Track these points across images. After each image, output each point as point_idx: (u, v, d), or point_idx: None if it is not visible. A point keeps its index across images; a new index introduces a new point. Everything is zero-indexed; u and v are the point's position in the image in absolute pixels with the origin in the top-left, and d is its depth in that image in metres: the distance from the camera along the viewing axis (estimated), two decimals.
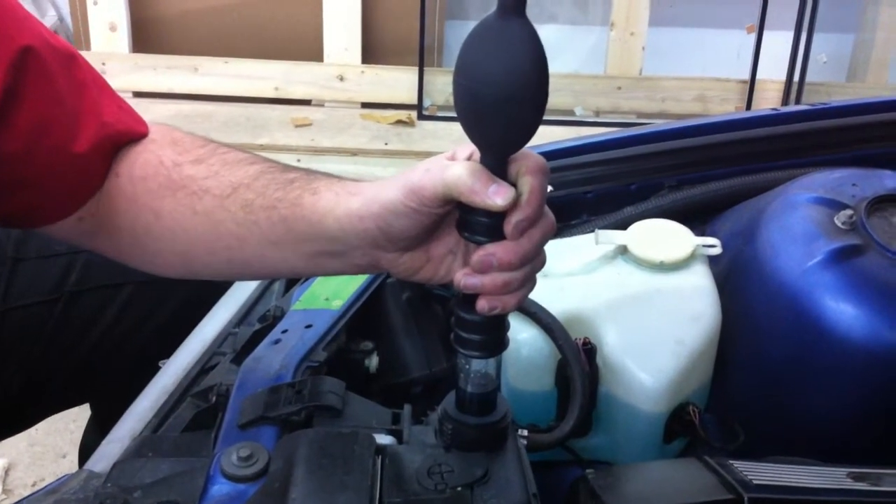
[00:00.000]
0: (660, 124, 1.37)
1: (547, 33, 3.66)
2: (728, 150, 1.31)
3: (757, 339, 1.03)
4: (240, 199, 0.81)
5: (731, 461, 0.76)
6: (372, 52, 3.61)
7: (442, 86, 3.50)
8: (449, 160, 0.70)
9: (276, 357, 0.92)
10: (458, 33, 3.65)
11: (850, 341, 0.93)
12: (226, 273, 0.89)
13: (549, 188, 1.23)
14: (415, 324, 1.09)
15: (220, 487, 0.68)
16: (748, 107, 3.53)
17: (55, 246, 1.25)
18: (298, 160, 3.04)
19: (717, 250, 1.07)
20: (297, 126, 3.41)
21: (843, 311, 0.94)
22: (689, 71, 3.64)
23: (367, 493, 0.65)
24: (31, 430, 1.65)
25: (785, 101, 3.53)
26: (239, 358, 0.96)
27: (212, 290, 1.17)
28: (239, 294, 1.15)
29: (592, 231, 1.11)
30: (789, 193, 1.09)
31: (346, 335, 1.03)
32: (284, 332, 0.98)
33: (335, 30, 3.56)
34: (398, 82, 3.56)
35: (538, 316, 0.97)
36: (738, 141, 1.32)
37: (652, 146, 1.31)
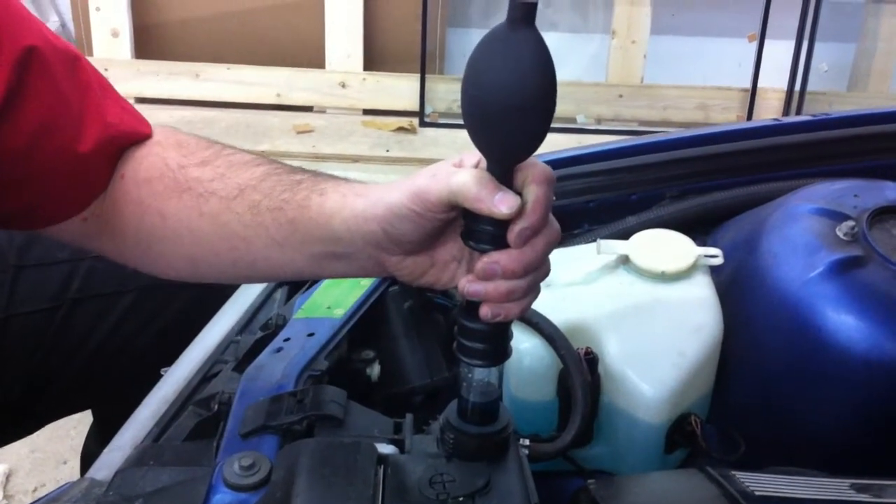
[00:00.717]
0: (662, 134, 1.37)
1: (548, 41, 3.61)
2: (730, 160, 1.31)
3: (758, 349, 1.03)
4: (246, 201, 0.81)
5: (732, 472, 0.76)
6: (374, 60, 3.62)
7: (443, 93, 3.51)
8: (456, 167, 0.70)
9: (277, 366, 0.92)
10: (459, 41, 3.66)
11: (851, 352, 0.93)
12: (230, 275, 0.89)
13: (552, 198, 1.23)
14: (416, 333, 1.09)
15: (222, 497, 0.68)
16: (749, 115, 3.54)
17: (57, 253, 1.25)
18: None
19: (719, 260, 1.07)
20: (298, 133, 3.42)
21: (844, 323, 0.94)
22: (690, 79, 3.65)
23: (368, 502, 0.65)
24: (32, 436, 1.65)
25: (786, 110, 3.53)
26: (241, 366, 0.96)
27: (214, 298, 1.17)
28: (241, 302, 1.15)
29: (594, 241, 1.11)
30: (791, 204, 1.09)
31: (348, 344, 1.03)
32: (286, 340, 0.98)
33: (337, 37, 3.57)
34: (400, 89, 3.56)
35: (540, 325, 0.97)
36: (740, 151, 1.32)
37: (654, 156, 1.31)
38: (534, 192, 0.65)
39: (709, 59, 3.74)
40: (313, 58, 3.60)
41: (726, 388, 1.04)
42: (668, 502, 0.78)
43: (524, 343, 0.99)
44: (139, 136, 0.91)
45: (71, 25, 3.68)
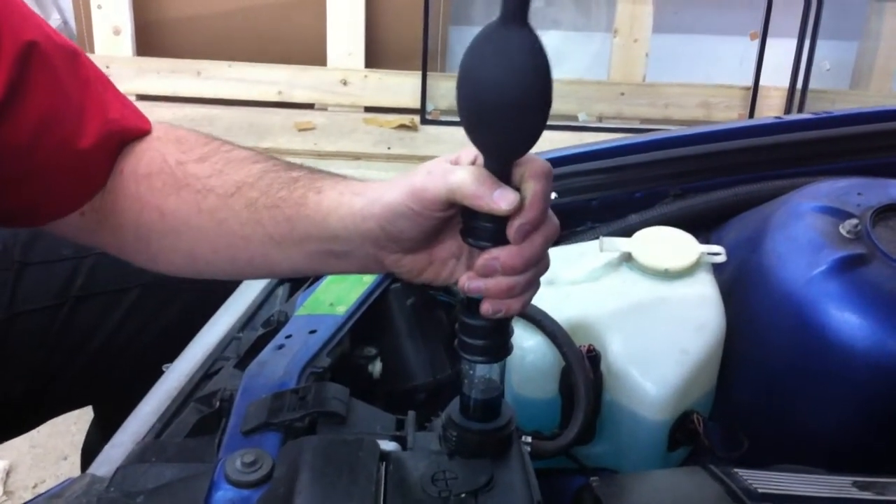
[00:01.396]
0: (664, 132, 1.37)
1: (550, 39, 3.66)
2: (733, 158, 1.31)
3: (761, 347, 1.03)
4: (244, 198, 0.81)
5: (735, 469, 0.76)
6: (375, 57, 3.62)
7: (445, 90, 3.50)
8: (452, 163, 0.70)
9: (279, 362, 0.92)
10: (461, 38, 3.66)
11: (855, 350, 0.93)
12: (230, 272, 0.89)
13: (554, 195, 1.23)
14: (419, 330, 1.09)
15: (224, 493, 0.68)
16: (751, 114, 3.54)
17: (61, 250, 1.25)
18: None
19: (722, 258, 1.07)
20: (300, 130, 3.41)
21: (847, 321, 0.94)
22: (692, 77, 3.64)
23: (371, 499, 0.65)
24: (33, 432, 1.65)
25: (788, 108, 3.53)
26: (243, 363, 0.96)
27: (216, 295, 1.17)
28: (243, 299, 1.15)
29: (597, 238, 1.11)
30: (794, 202, 1.09)
31: (350, 341, 1.03)
32: (288, 337, 0.98)
33: (339, 34, 3.57)
34: (401, 87, 3.56)
35: (542, 323, 0.96)
36: (743, 149, 1.32)
37: (657, 154, 1.31)
38: (532, 188, 0.65)
39: (711, 58, 3.74)
40: (315, 55, 3.60)
41: (729, 385, 1.04)
42: (671, 500, 0.78)
43: (527, 340, 0.99)
44: (139, 131, 0.91)
45: (73, 23, 3.68)
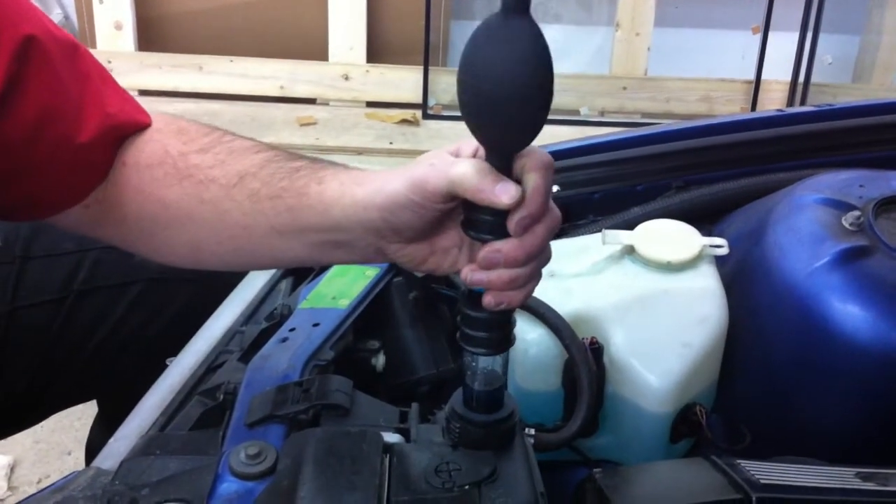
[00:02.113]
0: (666, 125, 1.37)
1: (552, 34, 3.66)
2: (735, 151, 1.31)
3: (763, 339, 1.03)
4: (246, 189, 0.81)
5: (738, 461, 0.76)
6: (377, 52, 3.62)
7: (447, 85, 3.51)
8: (453, 155, 0.70)
9: (283, 355, 0.92)
10: (463, 33, 3.66)
11: (857, 343, 0.93)
12: (233, 262, 0.89)
13: (556, 188, 1.23)
14: (421, 323, 1.09)
15: (229, 485, 0.68)
16: (753, 107, 3.54)
17: (64, 244, 1.25)
18: None
19: (725, 251, 1.07)
20: (301, 125, 3.42)
21: (849, 313, 0.94)
22: (694, 72, 3.64)
23: (374, 491, 0.65)
24: (37, 428, 1.66)
25: (790, 102, 3.53)
26: (246, 356, 0.96)
27: (219, 289, 1.17)
28: (246, 292, 1.16)
29: (599, 231, 1.11)
30: (796, 195, 1.09)
31: (354, 334, 1.03)
32: (292, 330, 0.98)
33: (340, 29, 3.57)
34: (403, 82, 3.56)
35: (545, 316, 0.97)
36: (746, 142, 1.32)
37: (659, 147, 1.31)
38: (533, 180, 0.65)
39: (712, 52, 3.74)
40: (316, 50, 3.60)
41: (732, 378, 1.04)
42: (674, 491, 0.78)
43: (530, 333, 0.99)
44: (139, 125, 0.91)
45: (74, 18, 3.68)
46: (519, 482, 0.69)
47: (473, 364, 0.71)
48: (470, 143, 0.69)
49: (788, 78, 3.54)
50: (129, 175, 0.88)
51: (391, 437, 0.74)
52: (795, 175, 1.20)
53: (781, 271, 1.00)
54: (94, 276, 1.25)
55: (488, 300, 0.68)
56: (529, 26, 0.58)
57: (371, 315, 1.07)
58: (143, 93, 3.51)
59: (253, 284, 1.17)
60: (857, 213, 1.00)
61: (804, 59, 3.49)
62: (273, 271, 1.21)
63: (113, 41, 3.56)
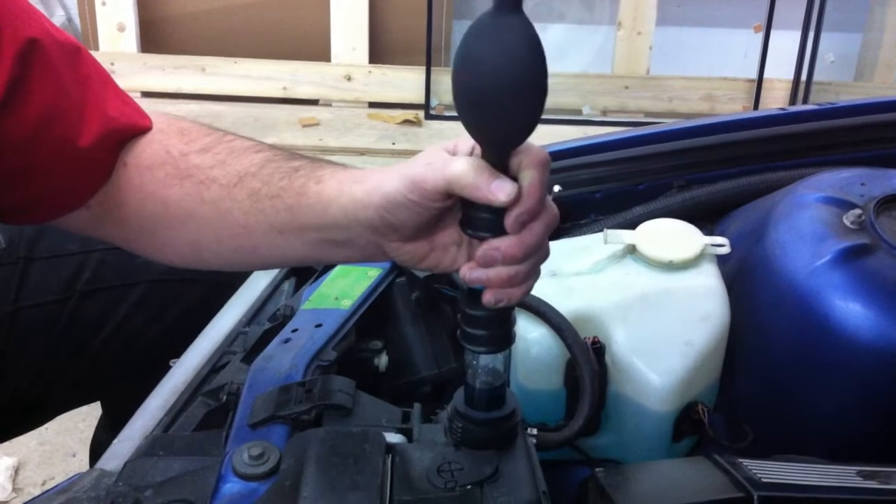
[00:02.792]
0: (668, 124, 1.37)
1: (554, 33, 3.66)
2: (736, 149, 1.31)
3: (765, 338, 1.03)
4: (246, 188, 0.82)
5: (740, 460, 0.76)
6: (379, 52, 3.62)
7: (449, 86, 3.47)
8: (450, 152, 0.70)
9: (286, 356, 0.92)
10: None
11: (858, 341, 0.93)
12: (234, 262, 0.90)
13: (558, 188, 1.23)
14: (424, 323, 1.10)
15: (232, 486, 0.68)
16: (755, 106, 3.54)
17: (67, 245, 1.26)
18: None
19: (726, 250, 1.07)
20: (304, 126, 3.42)
21: (851, 311, 0.94)
22: (696, 70, 3.64)
23: (377, 491, 0.65)
24: (41, 429, 1.66)
25: (792, 101, 3.53)
26: (249, 357, 0.96)
27: (222, 290, 1.18)
28: (249, 293, 1.16)
29: (601, 231, 1.11)
30: (798, 193, 1.09)
31: (356, 335, 1.03)
32: (294, 331, 0.98)
33: (342, 30, 3.57)
34: (405, 82, 3.56)
35: (547, 315, 0.97)
36: (747, 141, 1.32)
37: (660, 146, 1.31)
38: (529, 177, 0.65)
39: (715, 50, 3.74)
40: (319, 51, 3.60)
41: (733, 376, 1.04)
42: (676, 490, 0.78)
43: (532, 333, 0.99)
44: (139, 128, 0.91)
45: (77, 20, 3.69)
46: (521, 481, 0.69)
47: (474, 363, 0.71)
48: (466, 140, 0.70)
49: (791, 76, 3.54)
50: (130, 176, 0.89)
51: (393, 438, 0.74)
52: (797, 174, 1.20)
53: (783, 270, 1.00)
54: (98, 277, 1.26)
55: (487, 298, 0.68)
56: (521, 23, 0.59)
57: (373, 315, 1.07)
58: (146, 94, 3.51)
59: (256, 285, 1.18)
60: (858, 211, 1.00)
61: (806, 57, 3.49)
62: (276, 272, 1.22)
63: (116, 43, 3.56)
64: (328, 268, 1.14)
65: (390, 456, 0.71)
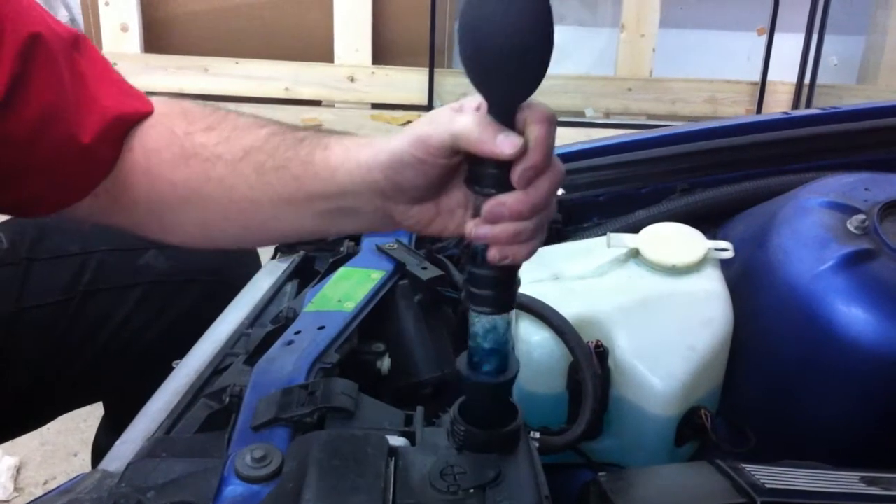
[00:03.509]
0: (671, 127, 1.37)
1: (557, 35, 3.63)
2: (740, 153, 1.31)
3: (768, 342, 1.03)
4: (252, 162, 0.82)
5: (742, 465, 0.76)
6: (382, 53, 3.62)
7: (452, 87, 3.51)
8: (455, 111, 0.70)
9: (288, 358, 0.92)
10: None
11: (861, 346, 0.93)
12: (242, 238, 0.90)
13: (561, 191, 1.23)
14: (426, 326, 1.09)
15: (234, 488, 0.68)
16: (759, 109, 3.53)
17: (69, 246, 1.25)
18: None
19: (730, 254, 1.07)
20: (307, 127, 3.42)
21: (854, 316, 0.94)
22: (699, 73, 3.64)
23: (379, 494, 0.65)
24: (43, 429, 1.65)
25: (796, 104, 3.53)
26: (252, 359, 0.96)
27: (223, 290, 1.18)
28: (252, 295, 1.16)
29: (604, 234, 1.11)
30: (801, 198, 1.09)
31: (359, 337, 1.03)
32: (297, 333, 0.98)
33: (345, 31, 3.57)
34: (408, 83, 3.56)
35: (550, 319, 0.97)
36: (750, 145, 1.32)
37: (664, 149, 1.31)
38: (535, 132, 0.65)
39: (718, 53, 3.74)
40: (322, 52, 3.60)
41: (736, 381, 1.04)
42: (678, 495, 0.78)
43: (534, 336, 0.99)
44: (140, 115, 0.91)
45: (80, 20, 3.69)
46: (523, 485, 0.69)
47: (477, 321, 0.70)
48: (473, 98, 0.69)
49: (794, 79, 3.54)
50: (136, 159, 0.89)
51: (396, 441, 0.74)
52: (800, 178, 1.20)
53: (786, 274, 1.00)
54: (99, 277, 1.26)
55: (493, 254, 0.67)
56: None
57: (376, 318, 1.07)
58: (149, 94, 3.51)
59: (259, 287, 1.17)
60: (861, 216, 1.00)
61: (809, 60, 3.49)
62: (278, 274, 1.21)
63: (119, 43, 3.57)
64: (331, 270, 1.14)
65: (393, 459, 0.71)
